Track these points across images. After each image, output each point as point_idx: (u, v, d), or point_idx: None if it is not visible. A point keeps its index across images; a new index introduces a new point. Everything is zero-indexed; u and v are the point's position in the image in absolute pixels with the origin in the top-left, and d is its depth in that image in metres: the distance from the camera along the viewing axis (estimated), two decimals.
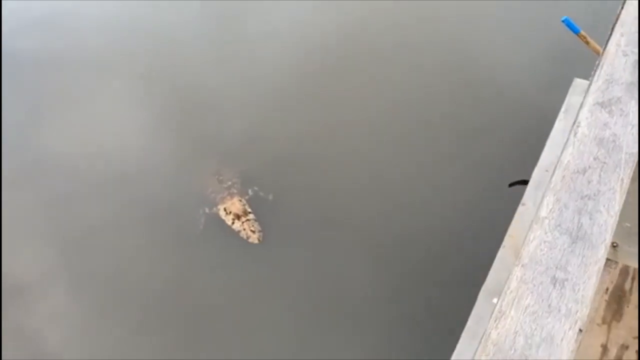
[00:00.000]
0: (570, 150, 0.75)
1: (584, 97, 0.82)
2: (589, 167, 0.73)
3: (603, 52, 0.88)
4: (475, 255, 2.27)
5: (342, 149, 2.94)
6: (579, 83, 2.38)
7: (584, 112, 0.79)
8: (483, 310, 1.62)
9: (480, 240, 2.44)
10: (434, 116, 3.02)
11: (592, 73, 0.91)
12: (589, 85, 1.22)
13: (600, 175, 0.72)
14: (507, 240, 1.97)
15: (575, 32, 2.35)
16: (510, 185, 2.79)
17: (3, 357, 2.47)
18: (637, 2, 0.94)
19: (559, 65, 2.92)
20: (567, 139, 0.77)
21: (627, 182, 0.72)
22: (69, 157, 2.97)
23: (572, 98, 2.34)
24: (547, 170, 2.17)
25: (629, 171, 0.72)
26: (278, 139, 2.98)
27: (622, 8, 0.98)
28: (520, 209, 2.10)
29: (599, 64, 0.90)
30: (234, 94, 3.22)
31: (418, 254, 2.58)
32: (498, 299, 0.70)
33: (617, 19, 0.95)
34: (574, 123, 0.85)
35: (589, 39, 2.37)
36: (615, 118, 0.78)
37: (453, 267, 2.52)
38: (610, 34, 0.91)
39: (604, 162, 0.73)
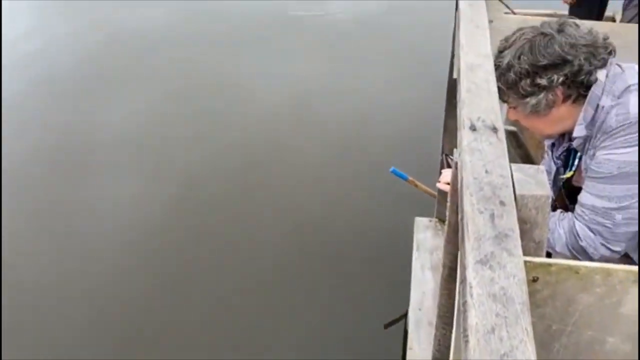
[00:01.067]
0: (474, 313, 0.80)
1: (465, 257, 0.90)
2: (495, 325, 0.78)
3: (462, 215, 0.98)
4: None
5: None
6: (420, 221, 2.64)
7: (470, 272, 0.87)
8: None
9: None
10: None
11: (460, 231, 1.01)
12: (447, 234, 1.35)
13: (507, 331, 0.78)
14: None
15: (404, 178, 2.65)
16: (387, 326, 2.86)
17: (3, 357, 2.48)
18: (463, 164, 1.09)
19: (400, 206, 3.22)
20: (465, 302, 0.83)
21: (531, 329, 0.78)
22: None
23: (419, 235, 2.56)
24: (420, 309, 2.28)
25: (528, 319, 0.79)
26: None
27: (458, 173, 1.13)
28: (408, 353, 2.15)
29: (462, 220, 1.01)
30: None
31: None
32: None
33: (460, 184, 1.09)
34: (462, 282, 0.92)
35: (417, 182, 2.67)
36: (497, 272, 0.86)
37: None
38: (462, 197, 1.03)
39: (505, 317, 0.80)
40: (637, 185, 1.33)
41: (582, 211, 1.43)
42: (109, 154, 3.96)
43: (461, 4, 1.79)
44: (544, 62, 1.41)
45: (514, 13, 2.36)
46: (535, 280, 1.00)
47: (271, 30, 5.67)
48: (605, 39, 1.46)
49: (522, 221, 1.01)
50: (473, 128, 1.21)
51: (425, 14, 5.65)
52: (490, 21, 1.79)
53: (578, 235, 1.42)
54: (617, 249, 1.40)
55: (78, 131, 4.18)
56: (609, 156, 1.36)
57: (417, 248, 2.45)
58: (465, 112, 1.26)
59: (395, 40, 5.37)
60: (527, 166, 1.08)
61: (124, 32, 5.61)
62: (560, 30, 1.43)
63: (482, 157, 1.11)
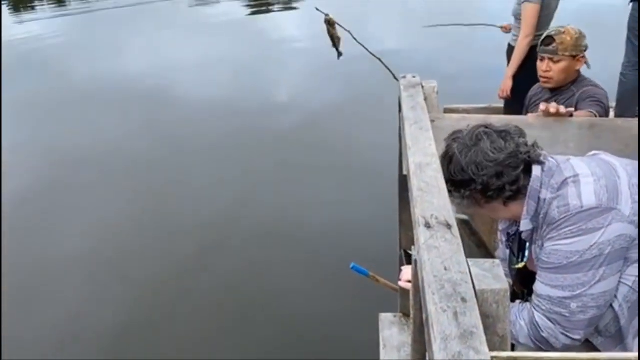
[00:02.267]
0: None
1: (433, 358, 0.91)
2: None
3: (426, 315, 0.99)
4: None
5: None
6: (385, 317, 2.61)
7: None
8: None
9: None
10: None
11: (427, 332, 1.02)
12: (413, 333, 1.35)
13: None
14: None
15: (365, 274, 2.65)
16: None
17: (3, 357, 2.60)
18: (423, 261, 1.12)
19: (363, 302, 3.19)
20: None
21: None
22: None
23: (385, 333, 2.53)
24: None
25: None
26: None
27: (418, 272, 1.16)
28: None
29: (427, 320, 1.02)
30: None
31: None
32: None
33: (421, 283, 1.11)
34: None
35: (378, 277, 2.67)
36: None
37: None
38: (424, 296, 1.05)
39: None
40: (587, 273, 1.37)
41: (540, 301, 1.46)
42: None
43: (404, 108, 1.91)
44: (458, 177, 1.51)
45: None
46: None
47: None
48: (530, 144, 1.51)
49: (484, 316, 1.03)
50: (428, 226, 1.25)
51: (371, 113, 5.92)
52: (432, 121, 1.90)
53: (539, 326, 1.45)
54: (577, 337, 1.42)
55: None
56: (556, 247, 1.41)
57: (384, 346, 2.41)
58: (419, 211, 1.31)
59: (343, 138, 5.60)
60: (483, 261, 1.12)
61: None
62: (475, 144, 1.49)
63: (439, 254, 1.14)
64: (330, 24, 2.89)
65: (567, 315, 1.41)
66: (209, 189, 4.76)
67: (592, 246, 1.36)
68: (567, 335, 1.42)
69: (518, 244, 1.69)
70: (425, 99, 2.01)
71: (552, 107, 2.10)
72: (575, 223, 1.38)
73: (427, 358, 1.10)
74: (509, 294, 1.06)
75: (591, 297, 1.39)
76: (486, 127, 1.53)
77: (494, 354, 0.98)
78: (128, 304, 3.53)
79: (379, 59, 3.36)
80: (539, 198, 1.47)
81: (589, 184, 1.40)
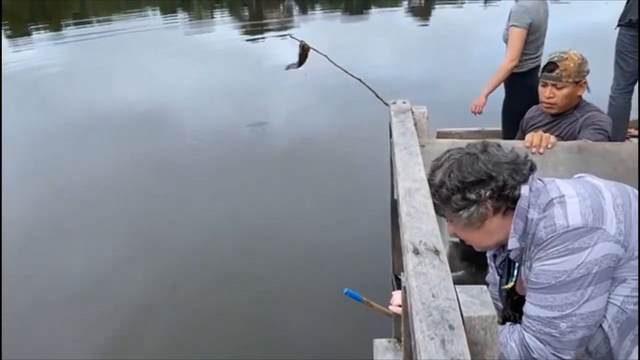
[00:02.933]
0: None
1: None
2: None
3: (414, 342, 0.99)
4: None
5: None
6: (379, 343, 2.59)
7: None
8: None
9: None
10: None
11: (413, 357, 1.01)
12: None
13: None
14: None
15: (358, 299, 2.63)
16: None
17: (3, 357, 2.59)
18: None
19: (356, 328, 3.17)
20: None
21: None
22: None
23: (379, 358, 2.51)
24: None
25: None
26: None
27: (407, 298, 1.16)
28: None
29: (415, 348, 1.01)
30: None
31: None
32: None
33: (410, 310, 1.11)
34: None
35: (372, 302, 2.66)
36: None
37: None
38: (412, 324, 1.05)
39: None
40: (575, 293, 1.38)
41: (530, 322, 1.46)
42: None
43: (394, 133, 1.93)
44: (471, 178, 1.52)
45: None
46: None
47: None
48: (526, 156, 1.59)
49: (472, 343, 1.03)
50: (416, 252, 1.25)
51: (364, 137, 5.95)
52: (422, 146, 1.92)
53: (529, 347, 1.44)
54: (567, 357, 1.42)
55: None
56: (544, 267, 1.42)
57: None
58: (407, 236, 1.32)
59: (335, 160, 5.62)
60: (471, 287, 1.12)
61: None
62: (483, 151, 1.56)
63: (427, 281, 1.14)
64: (304, 48, 3.38)
65: (557, 335, 1.41)
66: (199, 214, 4.74)
67: (579, 265, 1.37)
68: (557, 356, 1.42)
69: (507, 266, 1.70)
70: (415, 124, 2.03)
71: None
72: (561, 243, 1.39)
73: None
74: (496, 320, 1.06)
75: (580, 317, 1.39)
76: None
77: None
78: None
79: (359, 79, 3.49)
80: (526, 217, 1.49)
81: (574, 204, 1.42)
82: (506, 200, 1.52)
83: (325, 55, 3.54)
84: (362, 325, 3.04)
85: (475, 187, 1.52)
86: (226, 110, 7.66)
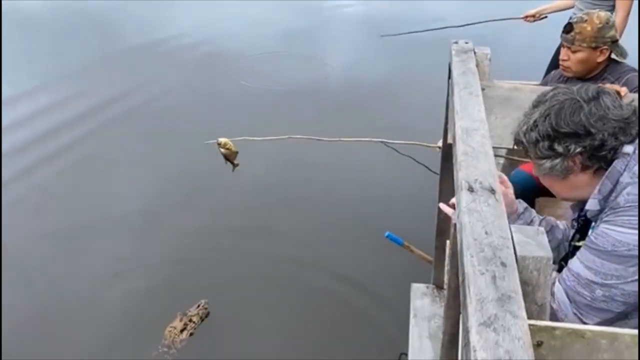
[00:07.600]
0: None
1: (468, 320, 0.88)
2: None
3: (463, 277, 0.96)
4: None
5: None
6: (416, 287, 2.59)
7: (473, 335, 0.84)
8: None
9: None
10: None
11: (462, 293, 0.99)
12: (447, 299, 1.33)
13: None
14: None
15: (399, 243, 2.63)
16: None
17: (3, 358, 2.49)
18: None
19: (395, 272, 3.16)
20: None
21: None
22: None
23: (416, 302, 2.51)
24: None
25: None
26: None
27: (457, 235, 1.12)
28: None
29: (463, 282, 0.99)
30: None
31: None
32: None
33: (459, 246, 1.08)
34: (465, 345, 0.89)
35: (412, 248, 2.66)
36: (501, 335, 0.84)
37: None
38: (462, 259, 1.02)
39: None
40: (628, 269, 1.30)
41: (567, 276, 1.39)
42: None
43: (454, 73, 1.84)
44: (566, 129, 1.38)
45: None
46: (539, 344, 0.97)
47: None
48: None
49: (523, 283, 1.00)
50: (471, 190, 1.21)
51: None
52: (483, 89, 1.83)
53: (554, 295, 1.38)
54: (589, 322, 1.35)
55: None
56: (608, 231, 1.34)
57: (415, 315, 2.39)
58: (462, 175, 1.27)
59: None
60: (527, 227, 1.08)
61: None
62: (593, 99, 1.37)
63: (481, 219, 1.10)
64: (222, 146, 2.73)
65: (588, 299, 1.34)
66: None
67: None
68: (578, 317, 1.35)
69: (584, 222, 1.59)
70: (477, 66, 1.94)
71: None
72: (635, 215, 1.30)
73: (461, 322, 1.08)
74: (551, 262, 1.02)
75: (621, 292, 1.31)
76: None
77: (532, 322, 0.94)
78: None
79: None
80: (617, 181, 1.36)
81: None
82: (600, 161, 1.38)
83: (246, 137, 3.05)
84: (400, 269, 3.05)
85: (567, 140, 1.38)
86: None
